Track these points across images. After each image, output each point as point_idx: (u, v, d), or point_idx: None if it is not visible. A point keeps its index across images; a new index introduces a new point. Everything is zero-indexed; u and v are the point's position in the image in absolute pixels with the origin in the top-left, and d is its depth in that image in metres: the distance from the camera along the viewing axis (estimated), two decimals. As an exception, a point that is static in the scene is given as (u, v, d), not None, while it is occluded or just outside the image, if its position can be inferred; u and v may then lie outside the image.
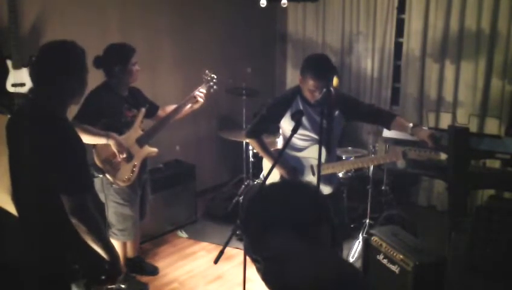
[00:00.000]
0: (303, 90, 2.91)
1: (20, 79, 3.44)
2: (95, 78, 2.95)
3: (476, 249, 3.60)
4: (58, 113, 2.09)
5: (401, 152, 2.86)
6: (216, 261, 2.33)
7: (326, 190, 2.98)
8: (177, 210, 4.44)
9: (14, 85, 3.43)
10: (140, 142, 3.29)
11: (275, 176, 3.00)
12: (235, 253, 4.01)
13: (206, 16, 5.01)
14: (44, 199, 2.09)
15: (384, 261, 3.07)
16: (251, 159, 4.68)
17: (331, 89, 2.81)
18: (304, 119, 2.84)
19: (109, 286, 2.19)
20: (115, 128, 3.12)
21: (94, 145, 3.10)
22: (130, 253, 3.64)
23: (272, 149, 3.23)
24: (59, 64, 2.08)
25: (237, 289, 3.56)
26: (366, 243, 3.25)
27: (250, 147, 4.56)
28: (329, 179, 3.03)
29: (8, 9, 3.37)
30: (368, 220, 4.09)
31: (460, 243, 3.48)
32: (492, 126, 4.50)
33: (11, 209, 2.24)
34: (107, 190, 3.19)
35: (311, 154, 2.99)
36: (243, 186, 4.73)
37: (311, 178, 3.02)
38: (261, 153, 3.16)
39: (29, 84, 3.43)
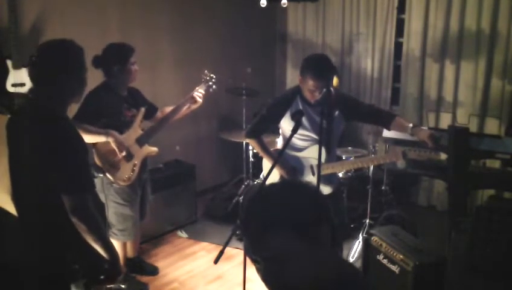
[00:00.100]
0: (303, 90, 2.91)
1: (20, 79, 3.44)
2: (94, 78, 2.95)
3: (476, 249, 3.60)
4: (58, 113, 2.09)
5: (401, 152, 2.86)
6: (216, 261, 2.33)
7: (326, 190, 2.98)
8: (177, 210, 4.44)
9: (14, 85, 3.44)
10: (140, 141, 3.29)
11: (275, 176, 3.00)
12: (235, 253, 4.01)
13: (206, 15, 5.01)
14: (44, 199, 2.09)
15: (384, 261, 3.07)
16: (251, 159, 4.68)
17: (331, 89, 2.81)
18: (304, 119, 2.84)
19: (109, 286, 2.19)
20: (114, 127, 3.12)
21: (94, 144, 3.10)
22: (130, 253, 3.64)
23: (272, 149, 3.23)
24: (58, 64, 2.08)
25: (237, 289, 3.56)
26: (366, 243, 3.25)
27: (250, 147, 4.56)
28: (329, 179, 3.03)
29: (8, 9, 3.37)
30: (367, 220, 4.09)
31: (460, 243, 3.48)
32: (492, 126, 4.50)
33: (11, 209, 2.24)
34: (107, 190, 3.19)
35: (311, 154, 2.99)
36: (243, 186, 4.73)
37: (311, 178, 3.02)
38: (261, 153, 3.16)
39: (29, 84, 3.42)
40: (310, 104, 2.90)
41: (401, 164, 3.82)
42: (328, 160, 3.01)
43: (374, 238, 3.17)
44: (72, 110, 2.78)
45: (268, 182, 2.24)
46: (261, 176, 3.94)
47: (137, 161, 3.26)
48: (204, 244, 4.27)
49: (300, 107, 2.92)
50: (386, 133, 3.77)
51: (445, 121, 4.69)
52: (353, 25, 5.26)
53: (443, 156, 3.07)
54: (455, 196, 3.12)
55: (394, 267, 2.99)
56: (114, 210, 3.25)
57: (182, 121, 3.72)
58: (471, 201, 4.36)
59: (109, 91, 3.16)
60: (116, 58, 3.12)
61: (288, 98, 3.00)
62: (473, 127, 4.39)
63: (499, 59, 4.42)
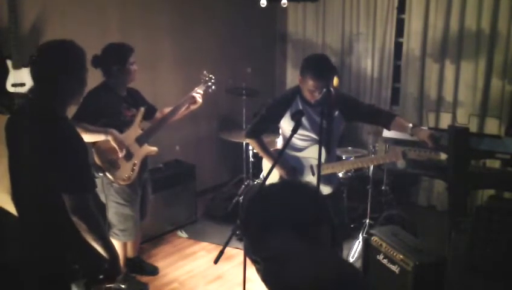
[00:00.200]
0: (303, 90, 2.91)
1: (20, 79, 3.44)
2: (94, 78, 2.95)
3: (476, 249, 3.60)
4: (58, 113, 2.10)
5: (401, 152, 2.86)
6: (216, 261, 2.33)
7: (326, 190, 2.98)
8: (177, 210, 4.44)
9: (14, 85, 3.44)
10: (140, 141, 3.29)
11: (275, 176, 3.00)
12: (235, 253, 4.01)
13: (206, 15, 5.01)
14: (44, 199, 2.09)
15: (384, 261, 3.07)
16: (251, 159, 4.68)
17: (331, 89, 2.81)
18: (304, 120, 2.84)
19: (108, 285, 2.20)
20: (114, 127, 3.12)
21: (94, 144, 3.10)
22: (130, 253, 3.64)
23: (272, 149, 3.23)
24: (58, 64, 2.08)
25: (237, 289, 3.56)
26: (366, 243, 3.25)
27: (250, 147, 4.56)
28: (329, 179, 3.03)
29: (8, 9, 3.37)
30: (367, 220, 4.09)
31: (460, 243, 3.48)
32: (492, 126, 4.50)
33: (11, 209, 2.24)
34: (108, 190, 3.19)
35: (310, 154, 2.99)
36: (243, 186, 4.73)
37: (311, 178, 3.02)
38: (261, 153, 3.16)
39: (29, 84, 3.44)
40: (310, 104, 2.90)
41: (401, 164, 3.82)
42: (328, 160, 3.01)
43: (374, 238, 3.17)
44: (72, 110, 2.78)
45: (268, 182, 2.24)
46: (261, 176, 3.94)
47: (137, 161, 3.26)
48: (204, 244, 4.27)
49: (300, 107, 2.92)
50: (386, 133, 3.77)
51: (445, 121, 4.69)
52: (353, 25, 5.26)
53: (443, 156, 3.07)
54: (455, 196, 3.12)
55: (394, 267, 2.99)
56: (115, 210, 3.25)
57: (182, 121, 3.72)
58: (471, 201, 4.36)
59: (108, 91, 3.16)
60: (115, 58, 3.12)
61: (288, 98, 3.00)
62: (473, 127, 4.39)
63: (499, 59, 4.42)
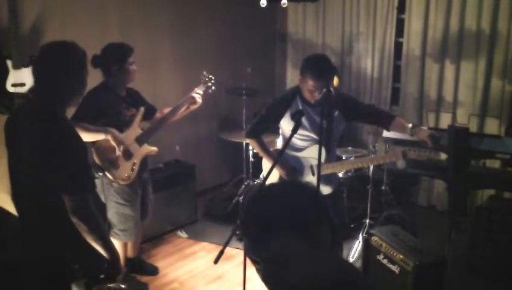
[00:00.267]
0: (302, 90, 2.91)
1: (20, 79, 3.44)
2: (94, 78, 2.95)
3: (476, 249, 3.60)
4: (58, 113, 2.10)
5: (401, 152, 2.86)
6: (216, 261, 2.34)
7: (326, 190, 2.98)
8: (177, 210, 4.44)
9: (14, 85, 3.43)
10: (140, 140, 3.29)
11: (274, 177, 3.00)
12: (235, 253, 4.01)
13: (206, 15, 5.01)
14: (44, 199, 2.09)
15: (384, 261, 3.07)
16: (251, 159, 4.68)
17: (331, 89, 2.81)
18: (304, 120, 2.84)
19: (109, 285, 2.20)
20: (114, 127, 3.12)
21: (93, 143, 3.11)
22: (130, 253, 3.64)
23: (272, 149, 3.23)
24: (58, 64, 2.09)
25: (237, 289, 3.56)
26: (366, 243, 3.25)
27: (250, 147, 4.56)
28: (329, 179, 3.03)
29: (8, 9, 3.37)
30: (367, 220, 4.09)
31: (460, 243, 3.48)
32: (492, 126, 4.50)
33: (11, 209, 2.24)
34: (108, 190, 3.19)
35: (310, 154, 2.99)
36: (243, 186, 4.73)
37: (311, 178, 3.02)
38: (261, 153, 3.16)
39: (29, 84, 3.43)
40: (310, 104, 2.90)
41: (401, 164, 3.82)
42: (328, 160, 3.01)
43: (374, 238, 3.17)
44: (71, 111, 2.78)
45: (268, 182, 2.24)
46: (261, 176, 3.94)
47: (136, 160, 3.26)
48: (204, 244, 4.27)
49: (300, 107, 2.92)
50: (386, 133, 3.77)
51: (445, 121, 4.69)
52: (353, 25, 5.26)
53: (443, 156, 3.07)
54: (455, 196, 3.12)
55: (394, 267, 2.99)
56: (115, 210, 3.25)
57: (182, 121, 3.72)
58: (471, 201, 4.36)
59: (108, 91, 3.16)
60: (114, 58, 3.13)
61: (288, 98, 3.00)
62: (473, 127, 4.39)
63: (499, 59, 4.42)
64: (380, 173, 4.49)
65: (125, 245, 3.45)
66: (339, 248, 3.33)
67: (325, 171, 2.93)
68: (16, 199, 2.20)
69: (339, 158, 4.15)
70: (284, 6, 4.40)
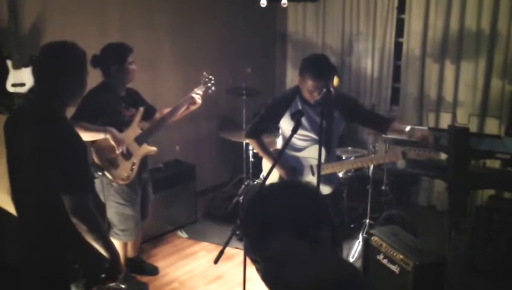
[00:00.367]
0: (302, 90, 2.91)
1: (20, 79, 3.44)
2: (93, 78, 2.95)
3: (476, 249, 3.60)
4: (58, 113, 2.10)
5: (401, 152, 2.86)
6: (216, 261, 2.33)
7: (326, 190, 2.98)
8: (177, 210, 4.44)
9: (14, 85, 3.43)
10: (139, 140, 3.29)
11: (274, 177, 3.00)
12: (235, 253, 4.01)
13: (206, 15, 5.01)
14: (44, 199, 2.09)
15: (384, 261, 3.07)
16: (251, 159, 4.68)
17: (331, 89, 2.81)
18: (304, 120, 2.84)
19: (109, 285, 2.20)
20: (113, 127, 3.12)
21: (93, 143, 3.11)
22: (130, 253, 3.64)
23: (272, 149, 3.23)
24: (58, 65, 2.09)
25: (237, 289, 3.56)
26: (366, 243, 3.25)
27: (250, 147, 4.56)
28: (329, 179, 3.03)
29: (8, 9, 3.37)
30: (367, 220, 4.09)
31: (460, 243, 3.48)
32: (492, 126, 4.50)
33: (11, 209, 2.24)
34: (107, 190, 3.19)
35: (310, 154, 2.99)
36: (243, 186, 4.73)
37: (310, 178, 3.02)
38: (261, 153, 3.16)
39: (29, 84, 3.43)
40: (310, 104, 2.90)
41: (401, 164, 3.82)
42: (328, 160, 3.01)
43: (374, 238, 3.17)
44: (70, 111, 2.78)
45: (268, 182, 2.24)
46: (261, 176, 3.94)
47: (136, 160, 3.26)
48: (204, 244, 4.27)
49: (300, 107, 2.92)
50: (386, 133, 3.78)
51: (445, 121, 4.69)
52: (353, 25, 5.26)
53: (443, 156, 3.07)
54: (455, 196, 3.12)
55: (394, 267, 2.99)
56: (115, 210, 3.25)
57: (182, 121, 3.72)
58: (471, 201, 4.36)
59: (108, 91, 3.16)
60: (114, 57, 3.13)
61: (287, 98, 3.00)
62: (473, 127, 4.39)
63: (499, 59, 4.42)
64: (380, 173, 4.49)
65: (125, 245, 3.45)
66: (339, 248, 3.33)
67: (325, 171, 2.93)
68: (15, 199, 2.20)
69: (339, 158, 4.15)
70: (284, 6, 4.40)
